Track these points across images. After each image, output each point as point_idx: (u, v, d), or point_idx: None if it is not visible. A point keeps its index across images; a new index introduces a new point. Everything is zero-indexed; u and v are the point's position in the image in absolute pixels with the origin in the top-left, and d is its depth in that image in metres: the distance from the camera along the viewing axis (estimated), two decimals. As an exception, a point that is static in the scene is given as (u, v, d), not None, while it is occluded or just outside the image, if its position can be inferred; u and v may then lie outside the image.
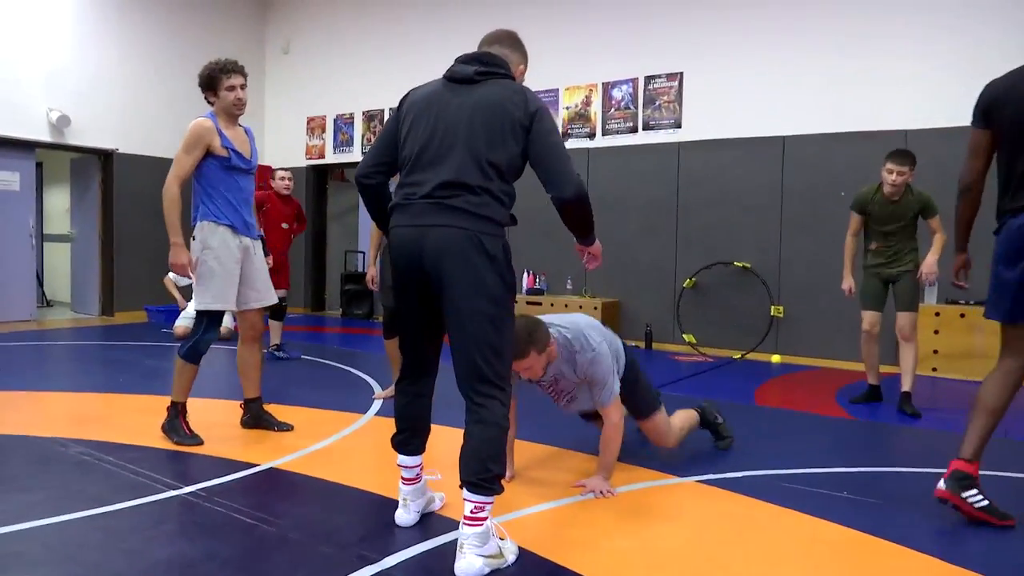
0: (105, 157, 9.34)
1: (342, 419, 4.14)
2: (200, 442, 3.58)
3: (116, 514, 2.64)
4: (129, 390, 4.84)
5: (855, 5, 6.54)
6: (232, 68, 3.65)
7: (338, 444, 3.65)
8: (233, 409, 4.12)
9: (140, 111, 9.53)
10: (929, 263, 4.53)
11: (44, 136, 8.72)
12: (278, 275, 5.88)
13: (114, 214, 9.31)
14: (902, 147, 4.81)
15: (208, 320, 3.64)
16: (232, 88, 3.63)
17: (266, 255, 4.45)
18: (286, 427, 3.88)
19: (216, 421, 3.97)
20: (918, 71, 6.29)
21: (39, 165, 10.37)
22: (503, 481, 2.40)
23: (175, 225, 3.53)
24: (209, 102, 3.70)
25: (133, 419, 4.03)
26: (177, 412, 3.65)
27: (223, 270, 3.60)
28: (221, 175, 3.61)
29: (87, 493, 2.83)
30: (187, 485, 2.95)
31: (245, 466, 3.23)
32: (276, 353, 6.23)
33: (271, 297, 3.86)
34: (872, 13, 6.47)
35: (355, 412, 4.32)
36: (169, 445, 3.54)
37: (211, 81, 3.65)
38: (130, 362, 5.98)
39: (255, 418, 3.91)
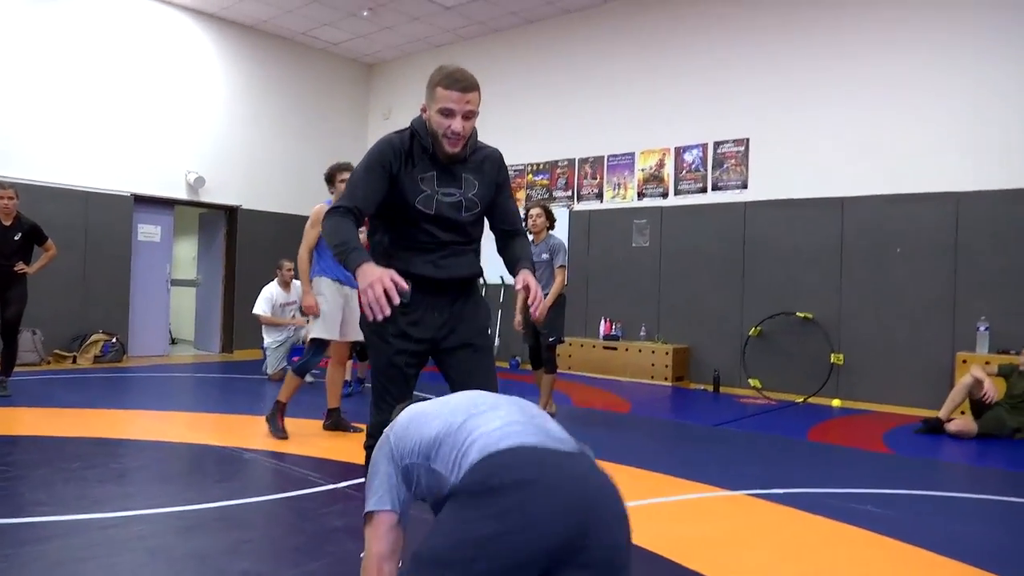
0: (230, 212, 10.63)
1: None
2: (286, 437, 4.72)
3: (295, 498, 3.52)
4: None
5: (911, 80, 7.15)
6: (345, 167, 4.81)
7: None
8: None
9: (260, 172, 10.81)
10: None
11: (182, 194, 10.05)
12: None
13: (236, 262, 10.55)
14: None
15: (315, 347, 4.85)
16: (344, 181, 4.78)
17: None
18: (359, 429, 4.90)
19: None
20: (967, 137, 6.84)
21: (171, 218, 11.79)
22: None
23: (308, 279, 4.84)
24: (330, 191, 4.96)
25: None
26: (277, 409, 4.80)
27: (330, 311, 4.79)
28: None
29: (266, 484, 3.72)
30: (338, 482, 3.80)
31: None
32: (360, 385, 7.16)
33: (359, 335, 4.80)
34: (923, 87, 7.07)
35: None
36: (305, 451, 4.43)
37: (331, 176, 4.92)
38: (257, 391, 7.00)
39: (335, 423, 5.06)
